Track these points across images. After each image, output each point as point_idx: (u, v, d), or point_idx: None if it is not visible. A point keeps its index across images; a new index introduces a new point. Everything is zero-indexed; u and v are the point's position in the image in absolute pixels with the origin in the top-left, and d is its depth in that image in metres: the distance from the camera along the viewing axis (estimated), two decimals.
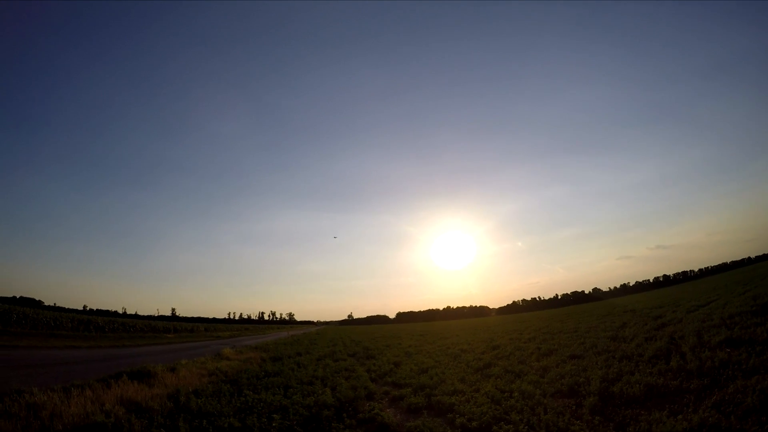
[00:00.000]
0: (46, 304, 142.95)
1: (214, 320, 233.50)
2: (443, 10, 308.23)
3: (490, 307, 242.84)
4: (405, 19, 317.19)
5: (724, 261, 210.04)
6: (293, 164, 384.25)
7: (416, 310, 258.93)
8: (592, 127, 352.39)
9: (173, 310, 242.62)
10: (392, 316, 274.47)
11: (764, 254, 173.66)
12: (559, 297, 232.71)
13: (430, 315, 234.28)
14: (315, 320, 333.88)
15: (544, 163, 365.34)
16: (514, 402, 15.17)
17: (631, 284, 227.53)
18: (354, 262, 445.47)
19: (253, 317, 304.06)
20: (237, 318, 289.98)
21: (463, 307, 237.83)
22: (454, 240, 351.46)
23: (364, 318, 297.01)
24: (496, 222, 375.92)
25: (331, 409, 15.43)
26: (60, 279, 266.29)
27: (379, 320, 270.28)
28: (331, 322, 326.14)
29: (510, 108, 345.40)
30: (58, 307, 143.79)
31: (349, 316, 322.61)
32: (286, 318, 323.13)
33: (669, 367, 16.92)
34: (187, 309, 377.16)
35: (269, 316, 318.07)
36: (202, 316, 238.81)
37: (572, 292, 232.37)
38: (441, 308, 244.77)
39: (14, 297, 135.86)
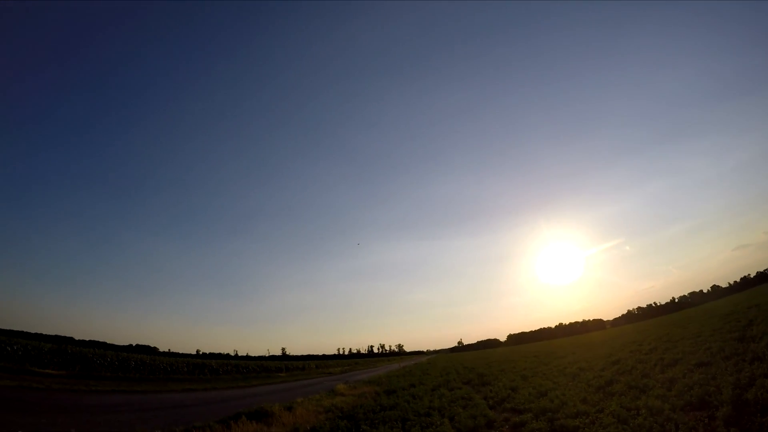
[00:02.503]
0: (162, 350, 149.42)
1: (324, 357, 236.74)
2: (507, 13, 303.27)
3: (604, 319, 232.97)
4: (472, 25, 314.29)
5: None
6: (387, 197, 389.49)
7: (527, 330, 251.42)
8: (684, 112, 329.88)
9: (283, 349, 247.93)
10: (503, 338, 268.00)
11: None
12: (677, 300, 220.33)
13: (543, 334, 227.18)
14: (425, 350, 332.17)
15: (639, 158, 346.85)
16: (642, 420, 14.46)
17: (752, 275, 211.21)
18: (459, 288, 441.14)
19: (362, 351, 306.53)
20: (347, 353, 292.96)
21: (576, 323, 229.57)
22: (558, 252, 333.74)
23: (475, 343, 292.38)
24: (599, 227, 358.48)
25: None
26: (173, 326, 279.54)
27: (491, 344, 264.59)
28: (441, 350, 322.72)
29: (594, 106, 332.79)
30: (173, 352, 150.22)
31: (459, 342, 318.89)
32: (396, 350, 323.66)
33: None
34: (297, 347, 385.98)
35: (378, 349, 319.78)
36: (312, 353, 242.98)
37: (690, 293, 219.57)
38: (553, 326, 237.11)
39: (131, 345, 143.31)
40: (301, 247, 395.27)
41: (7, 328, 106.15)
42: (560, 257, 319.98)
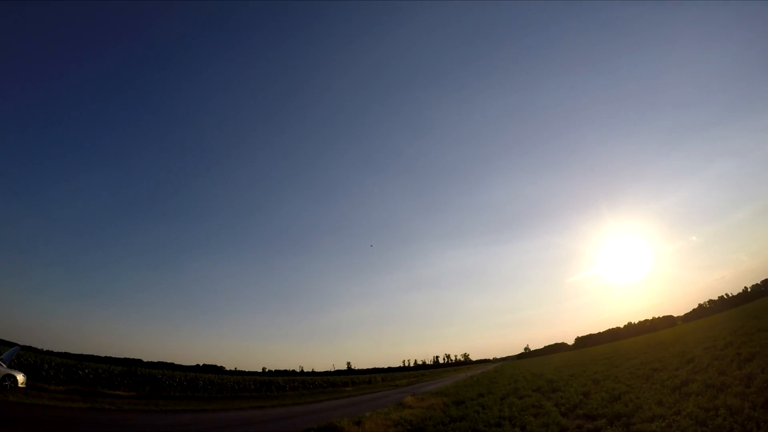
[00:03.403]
0: (228, 369, 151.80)
1: (390, 369, 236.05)
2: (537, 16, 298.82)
3: (675, 315, 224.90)
4: (511, 25, 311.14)
5: None
6: (442, 205, 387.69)
7: (595, 332, 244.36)
8: (743, 86, 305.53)
9: (348, 363, 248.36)
10: (571, 342, 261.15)
11: None
12: (749, 289, 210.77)
13: (612, 335, 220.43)
14: (491, 358, 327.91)
15: (700, 139, 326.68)
16: (721, 420, 14.08)
17: None
18: (522, 292, 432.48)
19: (428, 362, 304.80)
20: (412, 365, 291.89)
21: (646, 321, 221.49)
22: (623, 249, 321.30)
23: (542, 348, 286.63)
24: (662, 219, 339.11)
25: None
26: (238, 345, 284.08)
27: (558, 348, 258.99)
28: (508, 357, 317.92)
29: (645, 91, 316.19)
30: (239, 371, 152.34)
31: (526, 348, 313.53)
32: (462, 359, 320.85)
33: None
34: (363, 361, 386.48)
35: (444, 359, 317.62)
36: (377, 366, 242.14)
37: (762, 281, 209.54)
38: (622, 326, 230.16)
39: (198, 365, 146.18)
40: (361, 260, 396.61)
41: (78, 352, 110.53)
42: (625, 253, 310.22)
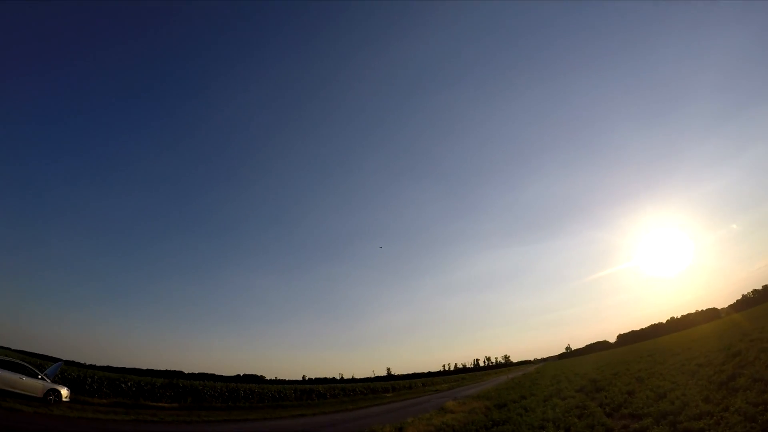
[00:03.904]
0: (268, 378, 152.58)
1: (430, 374, 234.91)
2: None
3: (718, 307, 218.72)
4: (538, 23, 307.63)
5: None
6: (475, 206, 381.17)
7: (637, 328, 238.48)
8: None
9: (388, 369, 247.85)
10: (613, 340, 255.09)
11: None
12: None
13: (654, 331, 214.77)
14: (532, 359, 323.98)
15: (735, 123, 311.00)
16: None
17: None
18: (561, 291, 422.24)
19: (468, 365, 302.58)
20: (452, 369, 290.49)
21: (689, 314, 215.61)
22: (662, 241, 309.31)
23: (583, 347, 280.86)
24: (701, 208, 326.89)
25: None
26: (278, 354, 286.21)
27: (600, 347, 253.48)
28: (549, 358, 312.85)
29: (676, 76, 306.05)
30: (280, 380, 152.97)
31: (567, 348, 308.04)
32: (502, 361, 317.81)
33: None
34: (402, 366, 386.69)
35: (484, 362, 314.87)
36: (417, 371, 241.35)
37: None
38: (664, 321, 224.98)
39: (238, 375, 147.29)
40: (396, 266, 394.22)
41: (120, 365, 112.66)
42: (664, 246, 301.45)
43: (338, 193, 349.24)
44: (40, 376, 30.26)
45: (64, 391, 31.13)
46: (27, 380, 29.26)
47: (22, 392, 28.70)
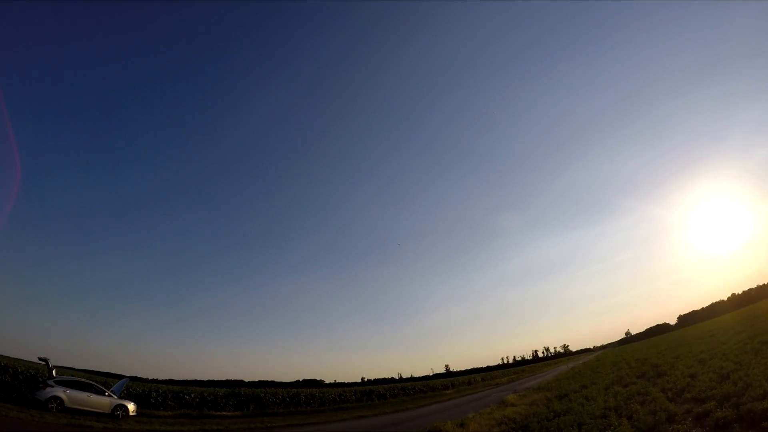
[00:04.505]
0: (327, 382, 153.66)
1: (489, 368, 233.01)
2: None
3: None
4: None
5: None
6: (521, 195, 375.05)
7: (698, 308, 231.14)
8: None
9: (447, 366, 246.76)
10: (673, 322, 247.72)
11: None
12: None
13: (715, 309, 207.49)
14: (591, 347, 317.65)
15: None
16: None
17: None
18: (617, 275, 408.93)
19: (526, 357, 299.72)
20: (511, 362, 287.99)
21: (750, 290, 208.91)
22: (718, 215, 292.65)
23: (643, 332, 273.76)
24: (757, 176, 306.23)
25: None
26: (335, 358, 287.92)
27: (660, 330, 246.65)
28: (608, 344, 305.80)
29: (713, 33, 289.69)
30: (339, 383, 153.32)
31: (627, 333, 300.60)
32: (561, 351, 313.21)
33: None
34: (460, 362, 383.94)
35: (543, 352, 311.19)
36: (476, 366, 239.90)
37: None
38: (725, 298, 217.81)
39: (298, 381, 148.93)
40: (449, 262, 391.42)
41: (181, 378, 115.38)
42: (721, 220, 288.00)
43: (384, 194, 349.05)
44: (107, 393, 31.35)
45: (131, 406, 32.20)
46: (94, 398, 30.37)
47: (91, 409, 29.78)
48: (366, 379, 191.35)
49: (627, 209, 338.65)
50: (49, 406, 27.95)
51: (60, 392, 28.95)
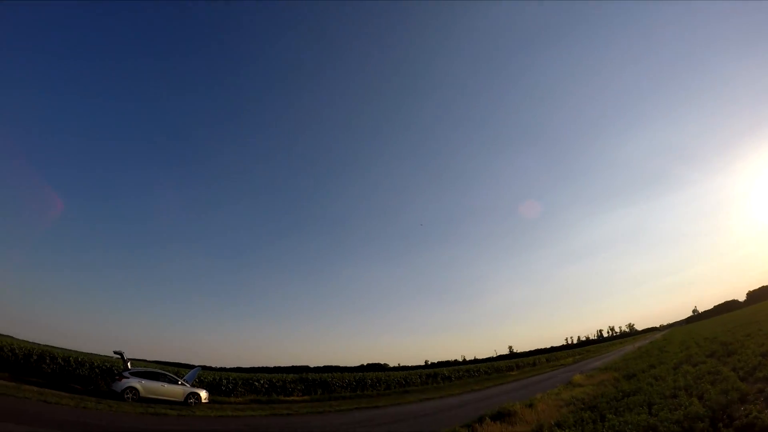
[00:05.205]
0: (391, 365, 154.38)
1: (553, 349, 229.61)
2: None
3: None
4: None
5: None
6: (581, 170, 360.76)
7: None
8: None
9: (510, 347, 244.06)
10: (742, 298, 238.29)
11: None
12: None
13: None
14: (657, 325, 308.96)
15: None
16: None
17: None
18: (683, 249, 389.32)
19: (591, 338, 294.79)
20: (575, 342, 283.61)
21: None
22: None
23: (711, 309, 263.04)
24: None
25: (704, 420, 14.27)
26: (398, 341, 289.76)
27: (729, 307, 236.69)
28: (675, 323, 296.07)
29: None
30: (403, 366, 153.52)
31: (694, 311, 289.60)
32: (627, 330, 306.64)
33: None
34: (523, 343, 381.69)
35: (608, 332, 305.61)
36: (539, 347, 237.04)
37: None
38: None
39: (362, 365, 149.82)
40: (509, 241, 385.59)
41: (248, 366, 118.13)
42: None
43: (444, 176, 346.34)
44: (180, 382, 32.62)
45: (203, 394, 33.44)
46: (168, 387, 31.65)
47: (165, 398, 31.07)
48: (429, 362, 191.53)
49: (689, 180, 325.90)
50: (126, 396, 29.30)
51: (135, 383, 30.27)
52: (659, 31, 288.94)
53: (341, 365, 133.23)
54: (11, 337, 45.97)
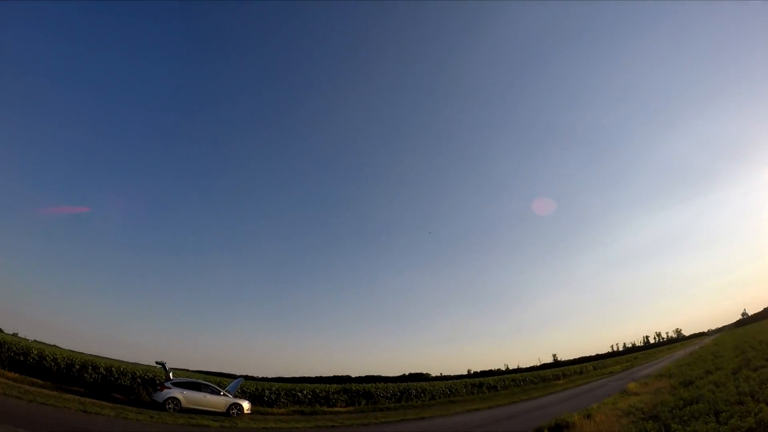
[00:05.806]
0: (434, 375, 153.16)
1: (598, 357, 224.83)
2: None
3: None
4: None
5: None
6: (623, 170, 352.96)
7: None
8: None
9: (554, 355, 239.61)
10: None
11: None
12: None
13: None
14: (705, 330, 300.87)
15: None
16: None
17: None
18: (733, 249, 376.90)
19: (638, 344, 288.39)
20: (621, 349, 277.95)
21: None
22: None
23: (761, 311, 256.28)
24: None
25: None
26: (439, 350, 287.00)
27: None
28: (724, 327, 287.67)
29: None
30: (445, 375, 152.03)
31: (743, 314, 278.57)
32: (674, 336, 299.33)
33: None
34: (568, 351, 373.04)
35: (655, 338, 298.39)
36: (585, 355, 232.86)
37: None
38: None
39: (404, 375, 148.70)
40: (550, 247, 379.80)
41: (290, 376, 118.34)
42: None
43: (480, 183, 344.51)
44: (222, 393, 32.32)
45: (246, 404, 33.06)
46: (210, 397, 31.36)
47: (207, 409, 30.77)
48: (473, 371, 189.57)
49: (738, 176, 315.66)
50: (167, 406, 29.10)
51: (177, 393, 30.05)
52: (701, 24, 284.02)
53: (383, 375, 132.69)
54: (56, 347, 46.51)
